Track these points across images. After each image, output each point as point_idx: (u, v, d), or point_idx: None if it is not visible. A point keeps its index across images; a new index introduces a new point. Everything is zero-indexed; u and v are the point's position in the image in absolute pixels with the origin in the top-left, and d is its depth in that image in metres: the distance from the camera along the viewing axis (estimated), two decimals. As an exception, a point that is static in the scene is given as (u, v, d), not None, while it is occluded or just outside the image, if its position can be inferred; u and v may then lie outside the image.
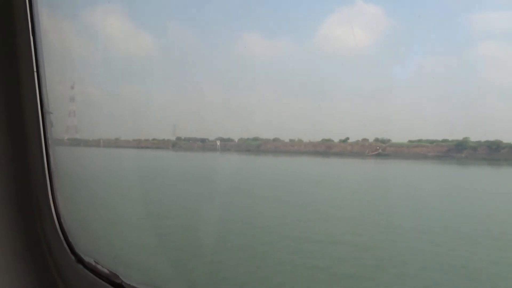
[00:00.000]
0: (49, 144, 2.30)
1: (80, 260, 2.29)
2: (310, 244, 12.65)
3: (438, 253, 12.04)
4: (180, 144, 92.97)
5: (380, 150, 59.00)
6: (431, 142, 45.66)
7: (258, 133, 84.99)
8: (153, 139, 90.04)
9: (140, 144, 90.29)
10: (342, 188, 24.82)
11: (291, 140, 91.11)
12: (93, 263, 2.26)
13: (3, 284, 2.18)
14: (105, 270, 2.23)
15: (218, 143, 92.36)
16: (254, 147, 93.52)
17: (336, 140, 78.32)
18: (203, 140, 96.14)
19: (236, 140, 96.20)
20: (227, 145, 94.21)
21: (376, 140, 60.57)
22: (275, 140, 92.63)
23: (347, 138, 70.75)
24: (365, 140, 63.37)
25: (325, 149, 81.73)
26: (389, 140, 57.20)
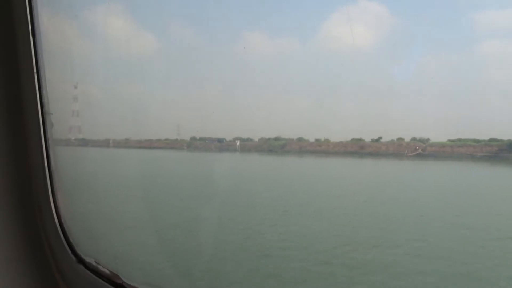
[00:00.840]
0: (50, 145, 2.50)
1: (81, 260, 2.47)
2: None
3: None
4: (195, 144, 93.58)
5: (420, 150, 57.81)
6: (477, 141, 44.38)
7: (279, 133, 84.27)
8: (166, 139, 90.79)
9: (152, 145, 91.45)
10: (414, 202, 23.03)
11: (317, 140, 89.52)
12: (94, 264, 2.44)
13: (5, 284, 2.35)
14: (106, 271, 2.40)
15: (238, 143, 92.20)
16: (278, 147, 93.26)
17: (366, 139, 76.82)
18: (220, 140, 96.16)
19: (256, 139, 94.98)
20: (246, 145, 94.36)
21: (414, 139, 59.11)
22: (299, 139, 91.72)
23: (380, 138, 69.39)
24: (400, 139, 61.90)
25: (357, 149, 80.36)
26: (428, 140, 55.71)
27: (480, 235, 15.42)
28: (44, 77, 2.46)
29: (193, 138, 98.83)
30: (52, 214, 2.49)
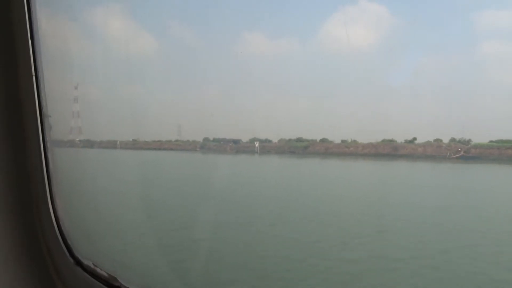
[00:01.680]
0: (48, 147, 2.70)
1: (79, 262, 2.67)
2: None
3: None
4: (209, 146, 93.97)
5: (462, 152, 56.79)
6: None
7: (300, 133, 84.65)
8: (176, 141, 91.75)
9: (161, 146, 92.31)
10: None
11: (343, 141, 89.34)
12: (92, 266, 2.64)
13: (3, 286, 2.52)
14: (104, 273, 2.60)
15: (257, 144, 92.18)
16: (300, 149, 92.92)
17: (399, 140, 75.66)
18: (236, 141, 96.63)
19: (275, 141, 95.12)
20: (266, 147, 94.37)
21: (453, 140, 58.03)
22: (323, 141, 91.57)
23: (414, 139, 68.58)
24: (438, 140, 60.86)
25: (390, 150, 79.27)
26: (469, 141, 54.70)
27: None
28: (42, 79, 2.66)
29: (206, 139, 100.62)
30: (50, 216, 2.69)
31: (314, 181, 38.38)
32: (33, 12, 2.60)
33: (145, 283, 6.83)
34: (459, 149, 56.43)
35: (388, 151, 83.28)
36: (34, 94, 2.62)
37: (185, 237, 15.80)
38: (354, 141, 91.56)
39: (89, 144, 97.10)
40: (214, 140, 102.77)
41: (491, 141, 48.98)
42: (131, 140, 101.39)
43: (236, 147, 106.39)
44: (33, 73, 2.61)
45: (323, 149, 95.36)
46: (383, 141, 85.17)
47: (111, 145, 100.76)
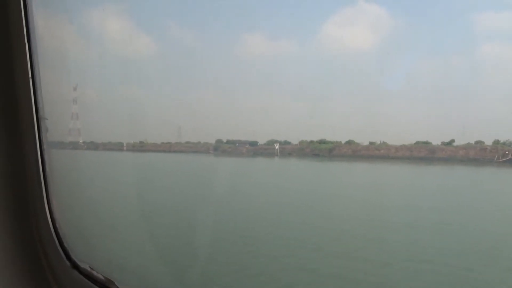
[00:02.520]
0: (45, 150, 2.90)
1: (75, 266, 2.86)
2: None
3: None
4: (223, 148, 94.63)
5: (510, 156, 55.70)
6: None
7: (323, 135, 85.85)
8: (187, 142, 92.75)
9: (171, 148, 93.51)
10: None
11: (371, 143, 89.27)
12: (89, 269, 2.83)
13: None
14: (101, 276, 2.78)
15: (277, 146, 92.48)
16: (325, 151, 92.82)
17: (434, 142, 75.35)
18: (253, 143, 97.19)
19: (296, 142, 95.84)
20: (286, 149, 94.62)
21: (496, 142, 57.09)
22: (349, 143, 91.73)
23: (452, 140, 67.80)
24: (479, 142, 59.96)
25: (426, 153, 78.40)
26: (512, 143, 53.77)
27: None
28: (39, 82, 2.87)
29: (219, 141, 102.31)
30: (47, 219, 2.88)
31: (351, 189, 37.58)
32: (29, 14, 2.79)
33: (142, 286, 7.16)
34: (507, 152, 55.48)
35: (424, 154, 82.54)
36: (31, 96, 2.81)
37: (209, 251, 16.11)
38: (384, 143, 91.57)
39: (93, 146, 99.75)
40: (228, 142, 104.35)
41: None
42: (138, 142, 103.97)
43: (253, 149, 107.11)
44: (30, 75, 2.80)
45: (350, 152, 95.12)
46: (417, 143, 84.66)
47: (117, 147, 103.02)
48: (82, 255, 2.97)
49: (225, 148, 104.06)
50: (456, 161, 67.64)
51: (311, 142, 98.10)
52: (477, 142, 59.06)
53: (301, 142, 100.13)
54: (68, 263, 2.88)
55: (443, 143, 77.09)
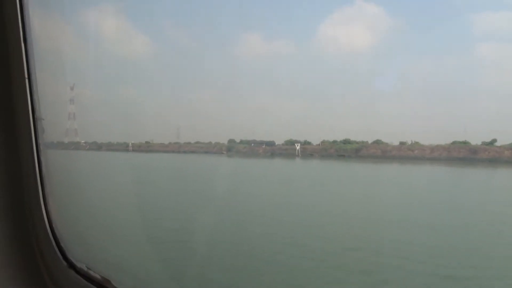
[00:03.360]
0: (41, 150, 3.10)
1: (72, 265, 3.07)
2: None
3: None
4: (238, 148, 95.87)
5: None
6: None
7: (347, 135, 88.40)
8: (197, 142, 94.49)
9: (180, 148, 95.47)
10: None
11: (402, 143, 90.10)
12: (85, 269, 3.04)
13: None
14: (97, 276, 2.99)
15: (298, 146, 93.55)
16: (351, 151, 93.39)
17: (473, 142, 76.62)
18: (270, 143, 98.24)
19: (318, 142, 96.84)
20: (306, 149, 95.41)
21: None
22: (378, 142, 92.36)
23: (494, 140, 67.60)
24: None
25: (467, 154, 78.04)
26: None
27: None
28: (35, 82, 3.08)
29: (232, 141, 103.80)
30: (43, 219, 3.09)
31: (393, 194, 37.31)
32: (26, 14, 2.99)
33: (139, 286, 7.51)
34: None
35: (464, 154, 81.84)
36: (27, 96, 3.03)
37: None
38: (417, 143, 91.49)
39: (95, 146, 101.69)
40: (242, 142, 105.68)
41: None
42: (144, 142, 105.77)
43: (270, 149, 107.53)
44: (26, 75, 3.01)
45: (380, 152, 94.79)
46: (454, 143, 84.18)
47: (122, 147, 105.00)
48: (79, 254, 3.17)
49: (239, 148, 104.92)
50: (501, 162, 67.10)
51: (334, 142, 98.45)
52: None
53: (323, 142, 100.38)
54: (64, 263, 3.09)
55: (484, 143, 76.58)
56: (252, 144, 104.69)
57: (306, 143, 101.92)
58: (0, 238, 2.97)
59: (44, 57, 3.62)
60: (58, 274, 3.13)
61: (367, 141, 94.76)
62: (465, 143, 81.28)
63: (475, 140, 79.62)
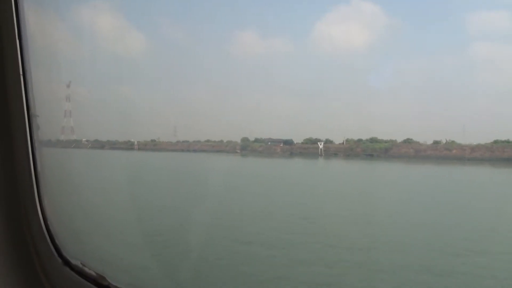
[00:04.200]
0: (36, 147, 3.31)
1: (67, 262, 3.29)
2: None
3: None
4: (253, 147, 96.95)
5: None
6: None
7: (372, 133, 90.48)
8: (207, 141, 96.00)
9: (189, 147, 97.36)
10: None
11: (436, 142, 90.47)
12: (80, 266, 3.26)
13: None
14: (92, 273, 3.20)
15: (321, 145, 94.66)
16: (379, 151, 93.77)
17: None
18: (288, 142, 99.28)
19: (342, 141, 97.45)
20: (329, 148, 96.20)
21: None
22: (409, 141, 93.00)
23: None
24: None
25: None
26: None
27: None
28: (30, 79, 3.30)
29: (245, 139, 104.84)
30: (38, 216, 3.32)
31: (449, 199, 36.25)
32: (21, 11, 3.22)
33: (134, 282, 7.90)
34: None
35: (509, 154, 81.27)
36: (22, 93, 3.26)
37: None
38: (453, 142, 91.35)
39: (98, 145, 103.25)
40: (257, 140, 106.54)
41: None
42: (149, 140, 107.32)
43: (289, 148, 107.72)
44: (21, 72, 3.25)
45: (412, 152, 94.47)
46: (495, 142, 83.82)
47: (126, 146, 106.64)
48: (74, 251, 3.40)
49: (254, 147, 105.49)
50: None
51: (359, 140, 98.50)
52: None
53: (347, 141, 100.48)
54: (59, 260, 3.32)
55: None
56: (269, 143, 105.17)
57: (328, 141, 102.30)
58: None
59: (39, 54, 3.84)
60: (53, 271, 3.36)
61: (395, 140, 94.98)
62: (508, 142, 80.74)
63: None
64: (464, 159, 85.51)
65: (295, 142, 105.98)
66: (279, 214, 27.89)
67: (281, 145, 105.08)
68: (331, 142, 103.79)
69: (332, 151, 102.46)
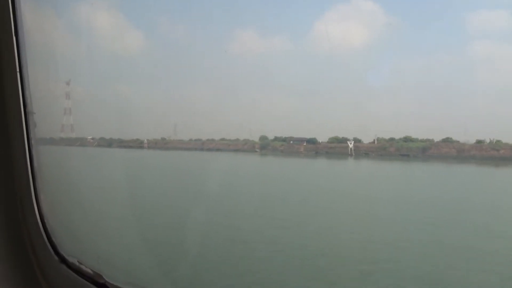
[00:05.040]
0: (33, 145, 3.53)
1: (63, 260, 3.51)
2: None
3: None
4: (274, 145, 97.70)
5: None
6: None
7: (407, 132, 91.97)
8: (222, 139, 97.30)
9: (203, 145, 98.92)
10: None
11: (479, 141, 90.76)
12: (77, 264, 3.48)
13: None
14: (89, 271, 3.42)
15: (351, 145, 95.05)
16: (415, 150, 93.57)
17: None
18: (311, 141, 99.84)
19: (372, 140, 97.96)
20: (359, 148, 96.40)
21: None
22: (448, 141, 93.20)
23: None
24: None
25: None
26: None
27: None
28: (27, 76, 3.52)
29: (264, 138, 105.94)
30: (35, 213, 3.54)
31: None
32: (17, 7, 3.45)
33: (130, 280, 8.28)
34: None
35: None
36: (19, 90, 3.50)
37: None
38: (499, 141, 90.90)
39: (105, 143, 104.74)
40: (277, 139, 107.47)
41: None
42: (159, 138, 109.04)
43: (313, 147, 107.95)
44: (18, 69, 3.48)
45: (454, 152, 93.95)
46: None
47: (135, 144, 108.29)
48: (71, 249, 3.63)
49: (275, 146, 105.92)
50: None
51: (391, 139, 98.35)
52: None
53: (379, 140, 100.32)
54: (56, 257, 3.56)
55: None
56: (291, 142, 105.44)
57: (356, 140, 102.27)
58: None
59: (36, 51, 4.09)
60: (49, 269, 3.59)
61: (432, 139, 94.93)
62: None
63: None
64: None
65: (320, 141, 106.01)
66: (344, 234, 25.49)
67: (304, 144, 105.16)
68: (359, 141, 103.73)
69: (363, 150, 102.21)
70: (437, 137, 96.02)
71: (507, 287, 16.91)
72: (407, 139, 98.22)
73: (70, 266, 3.59)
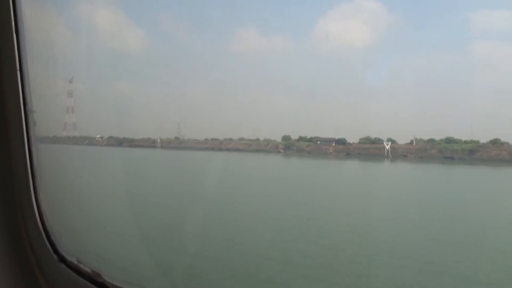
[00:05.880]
0: (32, 143, 3.76)
1: (62, 259, 3.75)
2: None
3: None
4: (299, 146, 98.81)
5: None
6: None
7: (447, 132, 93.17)
8: (241, 139, 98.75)
9: (220, 145, 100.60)
10: None
11: None
12: (76, 262, 3.72)
13: None
14: (88, 269, 3.65)
15: (388, 146, 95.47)
16: (462, 152, 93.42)
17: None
18: (340, 141, 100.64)
19: (409, 141, 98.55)
20: (395, 149, 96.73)
21: None
22: (496, 142, 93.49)
23: None
24: None
25: None
26: None
27: None
28: (27, 75, 3.75)
29: (287, 138, 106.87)
30: (34, 212, 3.78)
31: None
32: (18, 6, 3.69)
33: (129, 279, 8.71)
34: None
35: None
36: (19, 88, 3.73)
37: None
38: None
39: (114, 142, 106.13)
40: (302, 138, 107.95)
41: None
42: (173, 138, 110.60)
43: (344, 148, 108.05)
44: (18, 67, 3.72)
45: (506, 154, 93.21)
46: None
47: (147, 143, 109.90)
48: (69, 248, 3.86)
49: (301, 146, 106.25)
50: None
51: (431, 140, 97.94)
52: None
53: (418, 141, 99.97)
54: (55, 256, 3.80)
55: None
56: (319, 142, 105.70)
57: (390, 141, 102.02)
58: None
59: (37, 49, 4.32)
60: (48, 267, 3.84)
61: (478, 140, 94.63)
62: None
63: None
64: None
65: (351, 142, 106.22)
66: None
67: (333, 144, 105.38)
68: (394, 141, 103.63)
69: (400, 152, 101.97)
70: (482, 139, 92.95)
71: None
72: (449, 140, 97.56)
73: (69, 265, 3.82)
